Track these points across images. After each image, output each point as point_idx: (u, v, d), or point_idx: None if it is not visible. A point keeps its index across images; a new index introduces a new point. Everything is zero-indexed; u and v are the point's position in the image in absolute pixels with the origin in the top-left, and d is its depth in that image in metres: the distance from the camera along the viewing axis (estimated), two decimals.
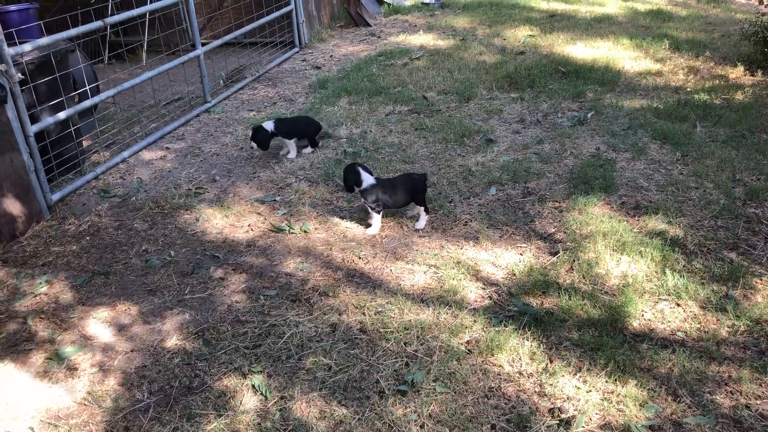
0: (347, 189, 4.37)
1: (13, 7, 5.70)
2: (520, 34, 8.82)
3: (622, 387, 2.85)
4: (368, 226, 4.34)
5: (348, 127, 6.02)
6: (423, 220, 4.29)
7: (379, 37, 9.54)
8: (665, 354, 3.03)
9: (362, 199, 4.26)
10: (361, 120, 6.18)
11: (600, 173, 4.75)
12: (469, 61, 7.73)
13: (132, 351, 3.34)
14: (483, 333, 3.23)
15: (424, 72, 7.44)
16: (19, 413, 2.98)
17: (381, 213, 4.27)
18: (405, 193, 4.24)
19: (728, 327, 3.21)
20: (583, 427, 2.67)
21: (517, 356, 3.08)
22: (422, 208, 4.29)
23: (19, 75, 4.59)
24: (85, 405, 2.99)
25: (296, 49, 9.13)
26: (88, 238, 4.50)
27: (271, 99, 7.18)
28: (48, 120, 5.00)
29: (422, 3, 11.36)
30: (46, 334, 3.51)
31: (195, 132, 6.37)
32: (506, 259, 3.87)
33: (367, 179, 4.21)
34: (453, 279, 3.68)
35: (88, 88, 5.66)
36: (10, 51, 4.48)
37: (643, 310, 3.35)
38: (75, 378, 3.17)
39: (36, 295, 3.88)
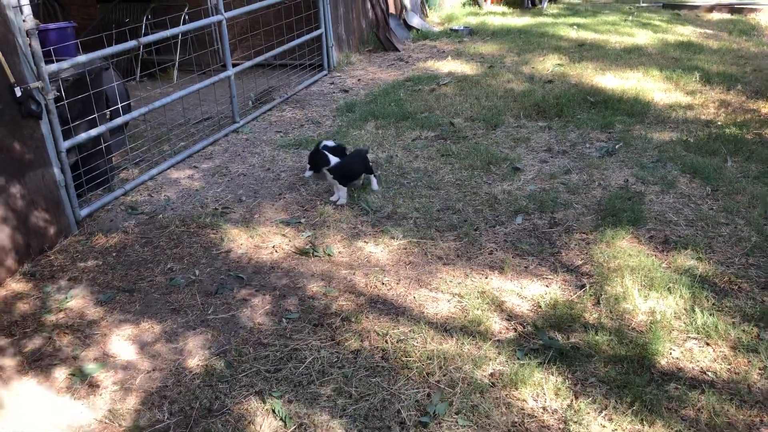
0: (315, 170, 5.04)
1: (52, 26, 5.83)
2: (548, 63, 8.82)
3: (649, 427, 2.78)
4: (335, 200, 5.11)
5: (374, 151, 6.03)
6: (375, 183, 5.29)
7: (407, 62, 9.60)
8: (694, 395, 2.96)
9: (330, 176, 5.03)
10: (388, 144, 6.20)
11: (628, 206, 4.70)
12: (496, 88, 7.74)
13: (153, 370, 3.34)
14: (507, 366, 3.19)
15: (451, 98, 7.46)
16: (42, 428, 2.99)
17: (345, 186, 5.10)
18: (360, 166, 5.20)
19: (760, 369, 3.12)
20: None
21: (541, 391, 3.03)
22: (372, 176, 5.29)
23: (54, 92, 4.68)
24: (105, 423, 2.99)
25: (325, 72, 9.21)
26: (114, 254, 4.54)
27: (299, 121, 7.24)
28: (80, 136, 5.08)
29: (451, 30, 11.42)
30: (70, 349, 3.53)
31: (223, 152, 6.43)
32: (532, 291, 3.83)
33: (333, 160, 5.02)
34: (477, 309, 3.65)
35: (120, 105, 5.75)
36: (47, 68, 4.57)
37: (671, 348, 3.28)
38: (96, 395, 3.18)
39: (62, 310, 3.91)
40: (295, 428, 2.89)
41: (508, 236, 4.45)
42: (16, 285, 4.19)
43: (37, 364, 3.43)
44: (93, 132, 5.17)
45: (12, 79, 4.19)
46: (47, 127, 4.59)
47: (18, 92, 4.24)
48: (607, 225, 4.46)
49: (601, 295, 3.71)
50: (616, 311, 3.56)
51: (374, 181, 5.29)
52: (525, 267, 4.08)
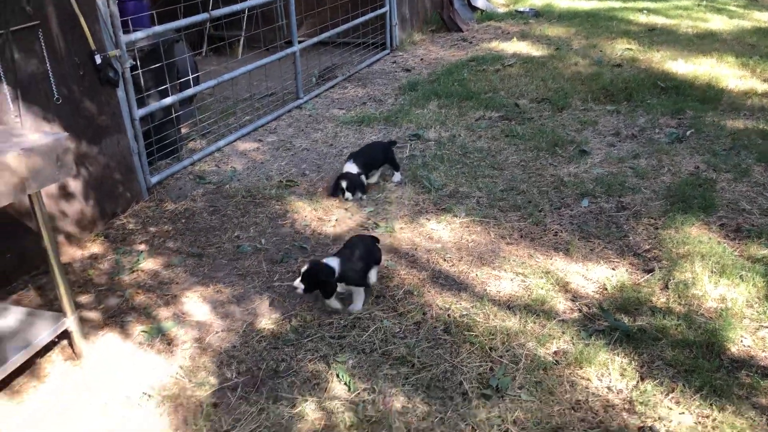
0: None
1: None
2: (617, 47, 8.60)
3: (719, 412, 2.73)
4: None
5: (437, 130, 6.02)
6: (397, 176, 5.12)
7: (470, 42, 9.51)
8: (767, 383, 2.88)
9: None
10: (451, 124, 6.18)
11: (699, 193, 4.57)
12: (563, 70, 7.60)
13: (222, 331, 3.45)
14: (571, 345, 3.17)
15: (516, 79, 7.36)
16: (125, 380, 3.12)
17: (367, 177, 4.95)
18: (380, 156, 5.03)
19: None
20: None
21: (606, 371, 3.00)
22: (395, 170, 5.11)
23: (131, 61, 4.82)
24: (177, 379, 3.10)
25: (387, 51, 9.21)
26: (183, 220, 4.68)
27: (361, 99, 7.27)
28: (153, 105, 5.23)
29: (516, 11, 11.25)
30: (143, 308, 3.67)
31: (287, 127, 6.52)
32: (597, 273, 3.78)
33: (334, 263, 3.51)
34: (541, 288, 3.63)
35: (190, 77, 5.89)
36: (125, 38, 4.71)
37: (742, 336, 3.20)
38: (169, 352, 3.30)
39: (135, 271, 4.06)
40: (359, 393, 2.94)
41: (574, 219, 4.40)
42: (92, 246, 4.37)
43: (114, 320, 3.58)
44: (166, 101, 5.32)
45: (93, 47, 4.33)
46: (123, 95, 4.75)
47: (98, 59, 4.38)
48: (676, 211, 4.36)
49: (670, 280, 3.64)
50: (685, 297, 3.49)
51: (397, 174, 5.10)
52: (591, 249, 4.03)
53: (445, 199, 4.77)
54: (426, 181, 5.00)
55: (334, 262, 3.46)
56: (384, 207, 4.70)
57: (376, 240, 3.91)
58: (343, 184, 4.77)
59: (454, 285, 3.75)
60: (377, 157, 5.04)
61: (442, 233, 4.33)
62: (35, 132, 2.97)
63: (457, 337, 3.28)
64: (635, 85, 6.87)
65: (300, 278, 3.40)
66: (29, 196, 2.80)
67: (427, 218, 4.52)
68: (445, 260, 4.01)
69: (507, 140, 5.71)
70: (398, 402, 2.88)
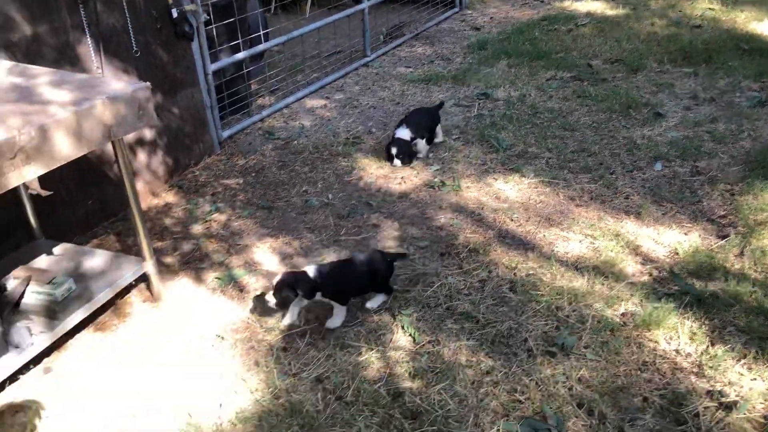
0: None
1: None
2: (698, 7, 8.20)
3: None
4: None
5: (506, 90, 5.93)
6: (440, 135, 5.03)
7: (542, 1, 9.24)
8: None
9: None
10: (521, 83, 6.07)
11: None
12: (639, 31, 7.32)
13: None
14: (640, 308, 3.13)
15: (589, 39, 7.14)
16: (200, 322, 3.26)
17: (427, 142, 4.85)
18: (427, 121, 4.89)
19: None
20: (744, 414, 2.53)
21: (675, 334, 2.95)
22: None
23: (205, 15, 4.90)
24: (249, 323, 3.22)
25: (456, 10, 9.05)
26: (253, 174, 4.79)
27: (428, 57, 7.20)
28: (225, 60, 5.32)
29: None
30: (216, 256, 3.81)
31: (353, 84, 6.53)
32: (669, 238, 3.69)
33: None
34: (611, 251, 3.57)
35: (261, 33, 5.95)
36: None
37: None
38: (241, 299, 3.42)
39: (206, 221, 4.19)
40: (423, 344, 2.99)
41: (646, 182, 4.29)
42: (166, 195, 4.53)
43: (188, 266, 3.73)
44: (238, 56, 5.40)
45: (170, 0, 4.42)
46: (197, 49, 4.84)
47: (174, 13, 4.47)
48: (756, 177, 4.19)
49: (746, 246, 3.53)
50: (762, 264, 3.38)
51: (441, 135, 5.02)
52: (663, 213, 3.93)
53: (513, 159, 4.72)
54: (494, 140, 4.95)
55: (311, 270, 3.11)
56: (450, 166, 4.69)
57: (387, 257, 3.34)
58: (393, 150, 4.73)
59: (521, 245, 3.73)
60: (427, 120, 4.93)
61: (509, 193, 4.30)
62: (117, 82, 3.08)
63: (522, 296, 3.29)
64: (716, 46, 6.56)
65: (273, 291, 3.06)
66: (112, 143, 2.92)
67: (494, 178, 4.49)
68: (512, 220, 3.99)
69: (579, 101, 5.57)
70: (462, 356, 2.91)
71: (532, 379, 2.76)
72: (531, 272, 3.47)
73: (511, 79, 6.18)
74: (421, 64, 6.98)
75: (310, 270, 3.10)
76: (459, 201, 4.24)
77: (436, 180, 4.51)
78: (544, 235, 3.81)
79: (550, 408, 2.62)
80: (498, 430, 2.53)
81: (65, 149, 2.50)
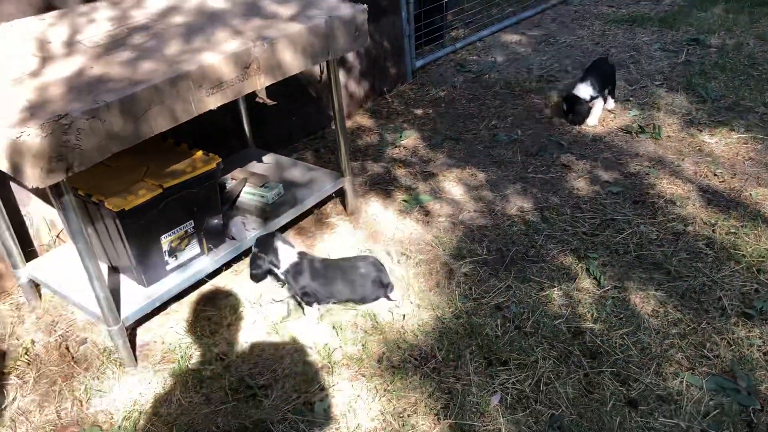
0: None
1: None
2: None
3: None
4: None
5: (721, 37, 5.44)
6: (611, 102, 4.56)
7: None
8: None
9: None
10: (738, 30, 5.53)
11: None
12: None
13: (475, 211, 3.60)
14: None
15: None
16: (386, 239, 3.44)
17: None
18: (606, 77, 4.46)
19: None
20: None
21: None
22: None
23: None
24: (432, 246, 3.34)
25: None
26: (443, 105, 4.85)
27: None
28: None
29: None
30: (404, 180, 3.95)
31: (551, 21, 6.31)
32: None
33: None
34: None
35: None
36: None
37: None
38: (426, 222, 3.55)
39: (397, 146, 4.34)
40: (609, 289, 2.94)
41: None
42: (360, 119, 4.73)
43: (378, 186, 3.91)
44: None
45: None
46: None
47: None
48: None
49: None
50: None
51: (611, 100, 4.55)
52: None
53: (722, 111, 4.37)
54: (702, 90, 4.60)
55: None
56: (651, 112, 4.44)
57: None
58: (564, 106, 4.39)
59: (723, 201, 3.49)
60: (612, 76, 4.52)
61: (714, 147, 4.00)
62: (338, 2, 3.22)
63: (720, 254, 3.10)
64: None
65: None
66: (327, 63, 3.09)
67: (699, 129, 4.20)
68: (715, 175, 3.73)
69: None
70: (648, 305, 2.83)
71: (723, 338, 2.63)
72: (732, 231, 3.25)
73: (727, 25, 5.64)
74: (626, 4, 6.57)
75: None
76: (657, 149, 4.02)
77: (634, 125, 4.30)
78: (751, 194, 3.53)
79: (742, 370, 2.49)
80: (681, 381, 2.46)
81: (291, 63, 2.70)
